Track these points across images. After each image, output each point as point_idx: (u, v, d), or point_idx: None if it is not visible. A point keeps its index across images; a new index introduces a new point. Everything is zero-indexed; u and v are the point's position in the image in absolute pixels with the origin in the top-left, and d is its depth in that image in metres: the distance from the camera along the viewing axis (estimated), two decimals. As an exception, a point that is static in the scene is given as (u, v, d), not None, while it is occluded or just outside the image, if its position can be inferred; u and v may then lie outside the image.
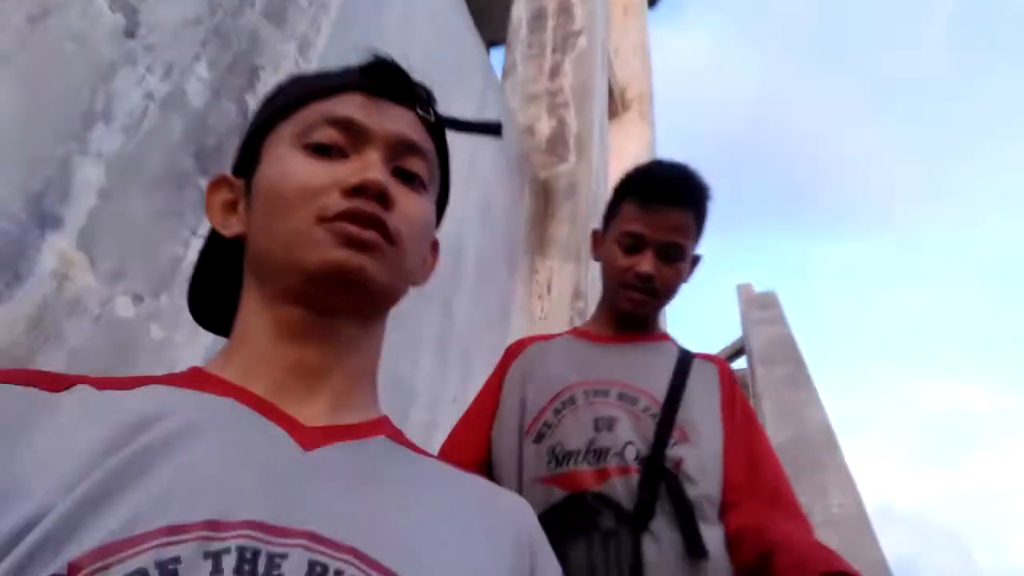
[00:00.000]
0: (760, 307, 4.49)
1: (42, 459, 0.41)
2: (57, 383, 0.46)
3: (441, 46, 3.32)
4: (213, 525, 0.40)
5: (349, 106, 0.56)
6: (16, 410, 0.43)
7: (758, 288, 6.27)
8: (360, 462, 0.50)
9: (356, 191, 0.52)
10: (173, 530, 0.39)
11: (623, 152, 7.56)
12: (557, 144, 4.85)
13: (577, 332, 1.26)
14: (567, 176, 4.64)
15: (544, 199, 4.59)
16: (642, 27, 8.75)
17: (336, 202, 0.52)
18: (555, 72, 5.27)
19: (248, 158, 0.59)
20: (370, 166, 0.54)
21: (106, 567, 0.37)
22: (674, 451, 1.05)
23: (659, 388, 1.11)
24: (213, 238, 0.60)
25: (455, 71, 3.57)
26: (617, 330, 1.22)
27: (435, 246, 0.65)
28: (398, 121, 0.58)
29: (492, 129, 0.64)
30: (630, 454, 1.04)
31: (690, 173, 1.18)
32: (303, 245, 0.51)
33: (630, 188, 1.19)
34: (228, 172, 0.59)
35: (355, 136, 0.56)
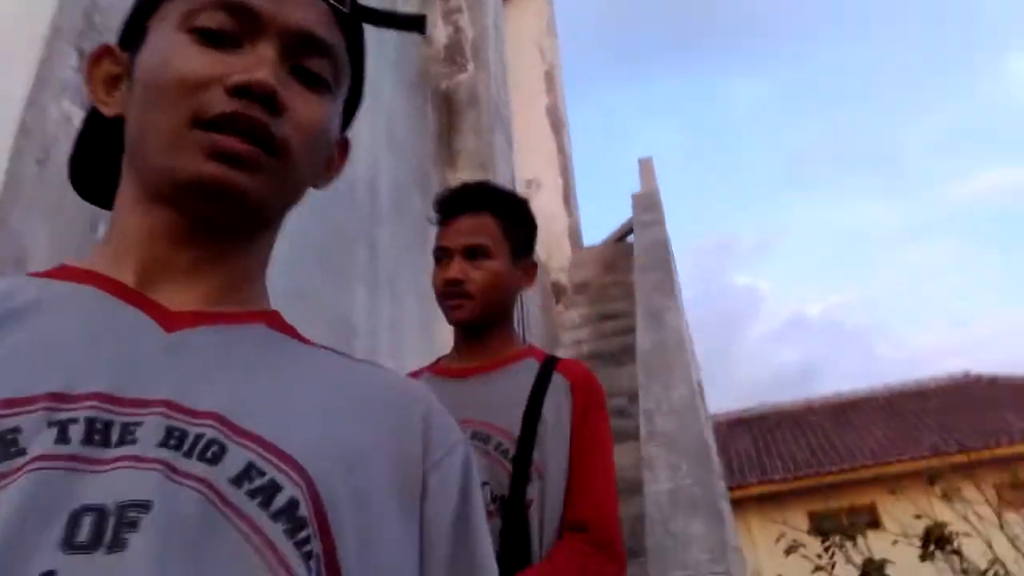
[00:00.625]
0: (644, 208, 5.02)
1: None
2: None
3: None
4: (57, 397, 0.39)
5: None
6: None
7: (657, 161, 6.77)
8: (226, 343, 0.48)
9: (240, 91, 0.47)
10: (11, 403, 0.38)
11: (523, 32, 7.67)
12: (455, 52, 5.04)
13: (436, 369, 1.28)
14: (467, 86, 4.89)
15: (447, 111, 4.87)
16: None
17: (217, 100, 0.47)
18: (445, -28, 5.34)
19: (134, 32, 0.54)
20: (261, 63, 0.48)
21: None
22: (529, 488, 1.09)
23: (514, 421, 1.12)
24: (95, 111, 0.56)
25: None
26: (468, 356, 1.24)
27: (344, 146, 0.60)
28: (302, 10, 0.51)
29: (414, 23, 0.59)
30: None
31: (481, 183, 1.30)
32: (175, 149, 0.47)
33: (434, 213, 1.28)
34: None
35: (248, 23, 0.50)
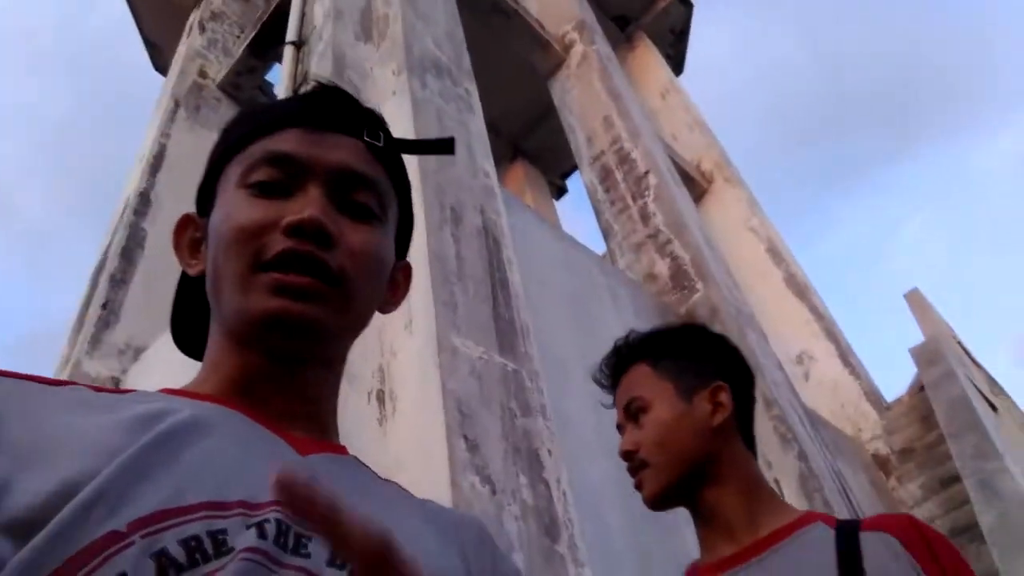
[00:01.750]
0: (928, 362, 4.62)
1: (63, 432, 0.44)
2: (53, 382, 0.49)
3: (570, 278, 4.04)
4: (247, 504, 0.44)
5: (288, 141, 0.56)
6: (20, 391, 0.46)
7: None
8: (347, 472, 0.54)
9: (294, 231, 0.52)
10: (215, 505, 0.43)
11: (728, 222, 7.94)
12: (680, 278, 5.38)
13: (697, 573, 0.96)
14: (703, 303, 5.13)
15: (695, 331, 5.08)
16: (684, 101, 9.24)
17: (274, 242, 0.52)
18: (645, 216, 5.89)
19: (206, 198, 0.60)
20: (309, 203, 0.53)
21: (162, 530, 0.40)
22: None
23: None
24: (184, 275, 0.62)
25: (585, 295, 4.27)
26: (715, 542, 0.93)
27: (407, 271, 0.64)
28: (341, 151, 0.57)
29: (444, 146, 0.64)
30: None
31: (626, 338, 1.08)
32: (244, 291, 0.52)
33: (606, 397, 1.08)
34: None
35: (295, 172, 0.55)
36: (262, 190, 0.55)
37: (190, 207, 0.63)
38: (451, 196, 2.68)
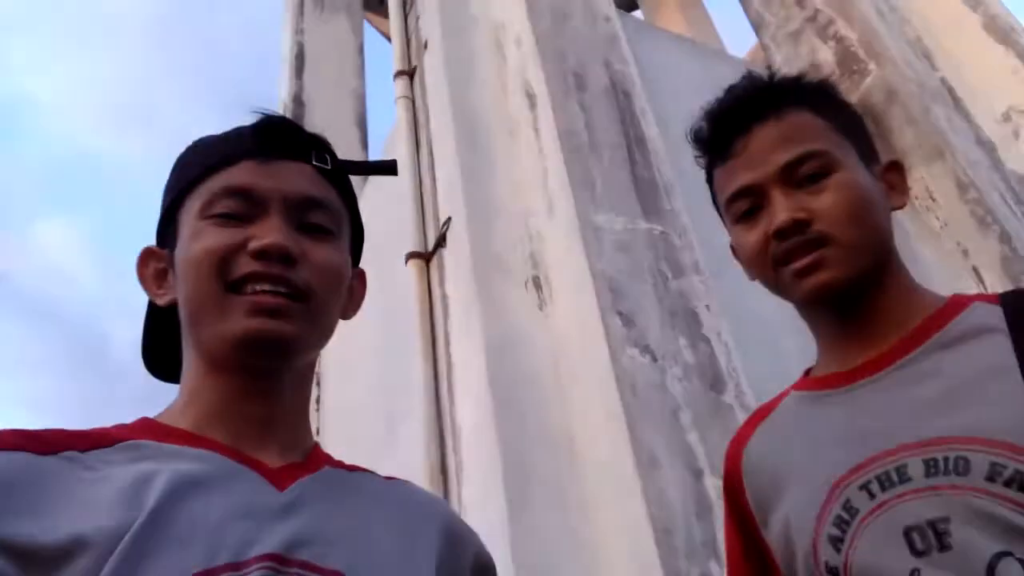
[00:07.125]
0: None
1: (65, 503, 0.50)
2: (45, 446, 0.53)
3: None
4: (234, 566, 0.50)
5: (244, 174, 0.61)
6: (21, 467, 0.51)
7: None
8: (322, 492, 0.59)
9: (261, 255, 0.57)
10: (206, 573, 0.50)
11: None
12: (849, 62, 4.83)
13: (805, 383, 0.80)
14: (880, 86, 4.60)
15: (871, 119, 4.60)
16: None
17: (243, 263, 0.58)
18: (799, -3, 5.23)
19: (168, 230, 0.65)
20: (271, 230, 0.58)
21: None
22: None
23: (1004, 416, 0.63)
24: (152, 304, 0.66)
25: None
26: (847, 349, 0.75)
27: (361, 277, 0.70)
28: (293, 178, 0.62)
29: (387, 168, 0.70)
30: None
31: (748, 84, 0.81)
32: (221, 315, 0.57)
33: (703, 150, 0.84)
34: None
35: (254, 202, 0.60)
36: (224, 218, 0.61)
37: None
38: (572, 59, 2.59)
